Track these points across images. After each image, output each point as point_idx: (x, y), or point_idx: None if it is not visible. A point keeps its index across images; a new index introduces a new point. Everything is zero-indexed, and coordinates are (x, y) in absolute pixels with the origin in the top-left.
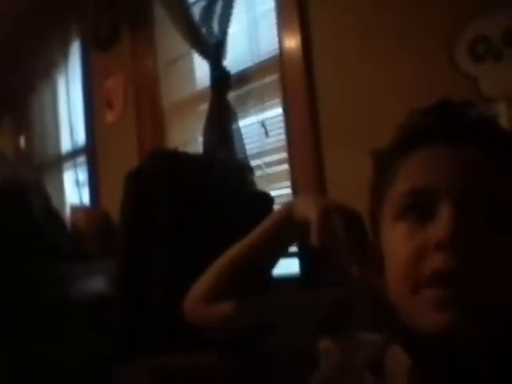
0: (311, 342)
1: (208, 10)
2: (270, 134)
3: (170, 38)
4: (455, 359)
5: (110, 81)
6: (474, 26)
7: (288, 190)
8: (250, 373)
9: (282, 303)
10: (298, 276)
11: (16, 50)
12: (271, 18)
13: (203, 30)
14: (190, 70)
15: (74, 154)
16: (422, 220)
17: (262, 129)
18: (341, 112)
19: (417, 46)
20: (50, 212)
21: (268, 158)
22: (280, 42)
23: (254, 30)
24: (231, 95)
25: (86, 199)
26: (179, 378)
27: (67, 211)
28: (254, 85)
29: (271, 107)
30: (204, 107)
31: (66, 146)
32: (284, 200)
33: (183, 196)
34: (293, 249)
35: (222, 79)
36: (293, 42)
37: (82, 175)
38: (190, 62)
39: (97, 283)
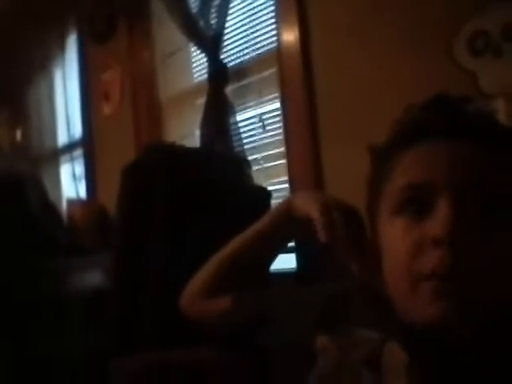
0: (309, 338)
1: (206, 3)
2: (267, 128)
3: (167, 31)
4: (452, 355)
5: (107, 74)
6: (474, 20)
7: (285, 185)
8: (249, 367)
9: (280, 298)
10: (295, 271)
11: (13, 42)
12: (269, 11)
13: (201, 23)
14: (188, 63)
15: (70, 147)
16: (419, 215)
17: (259, 123)
18: (339, 107)
19: (415, 41)
20: (47, 205)
21: (265, 153)
22: (278, 35)
23: (252, 23)
24: (229, 89)
25: (83, 193)
26: (177, 373)
27: (64, 205)
28: (252, 78)
29: (269, 101)
30: (201, 100)
31: (62, 139)
32: (281, 194)
33: (181, 190)
34: (290, 244)
35: (219, 72)
36: (291, 36)
37: (79, 169)
38: (188, 54)
39: (93, 277)
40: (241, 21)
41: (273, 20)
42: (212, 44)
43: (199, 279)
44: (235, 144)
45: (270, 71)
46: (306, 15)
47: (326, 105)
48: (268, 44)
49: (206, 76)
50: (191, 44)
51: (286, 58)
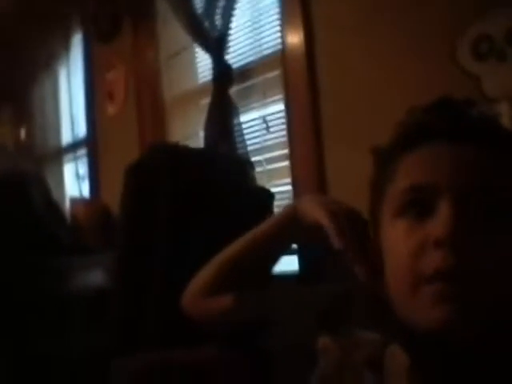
0: (311, 338)
1: (211, 4)
2: (271, 129)
3: (172, 31)
4: (454, 358)
5: (112, 73)
6: (477, 25)
7: (288, 187)
8: (250, 367)
9: (282, 299)
10: (297, 273)
11: (17, 40)
12: (274, 12)
13: (206, 24)
14: (192, 64)
15: (74, 146)
16: (421, 217)
17: (263, 124)
18: (342, 109)
19: (419, 44)
20: (50, 204)
21: (269, 154)
22: (283, 37)
23: (256, 25)
24: (233, 90)
25: (86, 192)
26: (178, 373)
27: (67, 204)
28: (256, 80)
29: (273, 103)
30: (206, 101)
31: (66, 138)
32: (284, 196)
33: (184, 190)
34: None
35: (224, 73)
36: (295, 38)
37: (83, 168)
38: (192, 55)
39: (96, 276)
40: (246, 22)
41: (277, 22)
42: (217, 45)
43: (201, 278)
44: (239, 145)
45: (274, 73)
46: (310, 17)
47: (330, 107)
48: (272, 46)
49: (210, 77)
50: (196, 44)
51: (290, 60)
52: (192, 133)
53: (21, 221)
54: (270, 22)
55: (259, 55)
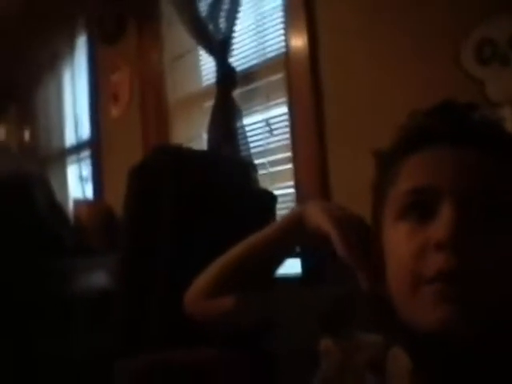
0: (313, 341)
1: (215, 7)
2: (274, 132)
3: (176, 34)
4: (455, 359)
5: (116, 75)
6: (481, 29)
7: (291, 190)
8: (253, 368)
9: (285, 302)
10: (300, 276)
11: (22, 41)
12: (278, 16)
13: (210, 27)
14: (196, 66)
15: (78, 147)
16: (423, 219)
17: (266, 127)
18: (346, 112)
19: (423, 48)
20: (54, 206)
21: (272, 157)
22: (286, 40)
23: (260, 28)
24: (237, 92)
25: (90, 193)
26: (178, 373)
27: (70, 205)
28: (260, 83)
29: (276, 106)
30: (209, 104)
31: (70, 139)
32: (287, 199)
33: (187, 192)
34: None
35: (227, 76)
36: (299, 41)
37: (86, 169)
38: (196, 58)
39: (99, 278)
40: (250, 25)
41: (281, 25)
42: (220, 48)
43: (203, 279)
44: (242, 148)
45: (278, 76)
46: (314, 21)
47: (334, 110)
48: (276, 49)
49: (214, 79)
50: (200, 47)
51: (293, 63)
52: (195, 135)
53: (24, 222)
54: (273, 26)
55: (263, 58)
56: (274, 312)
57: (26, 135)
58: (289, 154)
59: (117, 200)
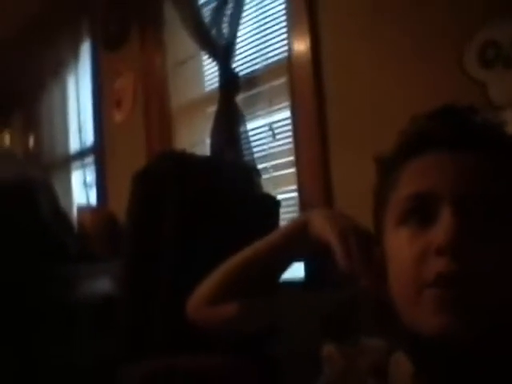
0: (316, 345)
1: (218, 12)
2: (277, 137)
3: (179, 39)
4: (457, 363)
5: (119, 81)
6: (484, 31)
7: (294, 194)
8: (257, 373)
9: (289, 307)
10: (303, 280)
11: (26, 48)
12: (281, 20)
13: (213, 32)
14: (199, 72)
15: (82, 153)
16: (424, 224)
17: (269, 132)
18: (349, 116)
19: (426, 50)
20: (58, 212)
21: (275, 161)
22: (289, 44)
23: (263, 32)
24: (239, 97)
25: (94, 200)
26: (182, 379)
27: (74, 211)
28: (263, 87)
29: (279, 110)
30: (212, 109)
31: (74, 145)
32: (290, 203)
33: (191, 197)
34: None
35: (230, 81)
36: (302, 45)
37: (90, 176)
38: (199, 63)
39: (103, 284)
40: (252, 30)
41: (284, 30)
42: (223, 53)
43: (206, 286)
44: (245, 152)
45: (281, 80)
46: (316, 24)
47: (336, 114)
48: (279, 53)
49: (217, 84)
50: (203, 52)
51: (296, 68)
52: (198, 140)
53: (28, 228)
54: (276, 30)
55: (265, 62)
56: (277, 317)
57: (31, 141)
58: (292, 158)
59: (121, 205)
